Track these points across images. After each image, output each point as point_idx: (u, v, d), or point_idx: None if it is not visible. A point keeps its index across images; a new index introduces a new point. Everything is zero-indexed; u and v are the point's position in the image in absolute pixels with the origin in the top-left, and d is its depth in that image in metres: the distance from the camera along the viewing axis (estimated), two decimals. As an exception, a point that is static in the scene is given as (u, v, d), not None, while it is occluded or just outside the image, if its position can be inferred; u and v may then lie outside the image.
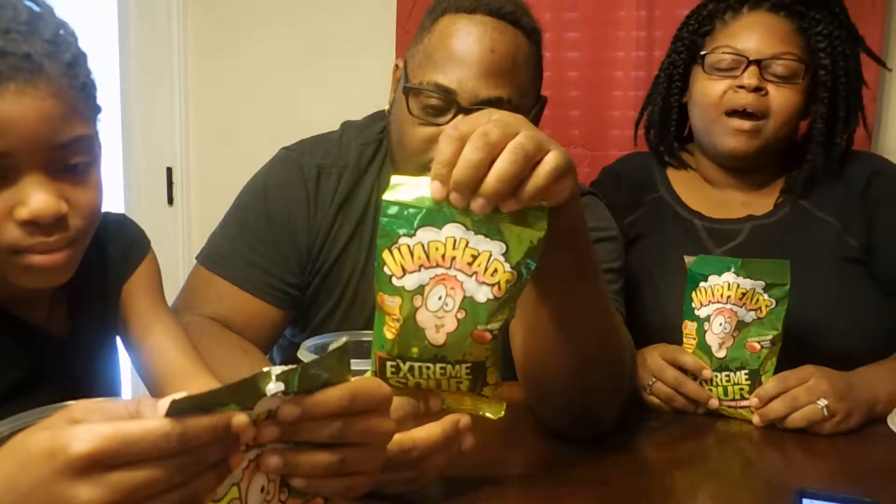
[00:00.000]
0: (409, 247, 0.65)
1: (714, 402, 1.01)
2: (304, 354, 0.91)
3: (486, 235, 0.64)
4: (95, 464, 0.42)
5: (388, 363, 0.67)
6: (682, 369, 1.02)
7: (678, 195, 1.26)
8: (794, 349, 1.01)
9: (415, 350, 0.66)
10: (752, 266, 1.00)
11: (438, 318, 0.65)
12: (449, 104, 0.96)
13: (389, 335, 0.66)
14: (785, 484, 0.80)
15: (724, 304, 1.00)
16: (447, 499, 0.75)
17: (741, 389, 1.00)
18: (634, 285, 1.17)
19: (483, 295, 0.64)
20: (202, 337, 0.94)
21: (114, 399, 0.67)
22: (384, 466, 0.57)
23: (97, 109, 0.76)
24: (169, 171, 2.19)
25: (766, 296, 1.00)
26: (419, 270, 0.65)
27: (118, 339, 0.90)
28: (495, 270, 0.64)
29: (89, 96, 0.73)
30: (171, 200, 2.20)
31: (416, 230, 0.65)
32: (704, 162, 1.26)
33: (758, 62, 1.12)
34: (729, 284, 1.00)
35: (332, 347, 0.51)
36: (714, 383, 1.01)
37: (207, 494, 0.47)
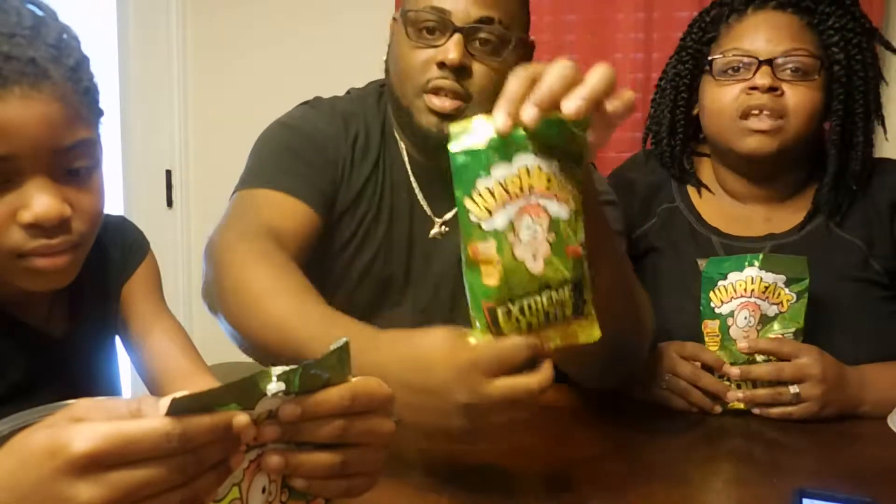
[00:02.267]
0: (488, 188, 0.66)
1: (732, 396, 1.00)
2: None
3: (546, 158, 0.67)
4: (96, 463, 0.42)
5: (500, 310, 0.67)
6: (702, 366, 1.02)
7: (696, 207, 1.20)
8: None
9: (520, 287, 0.67)
10: (772, 261, 1.01)
11: (533, 248, 0.66)
12: (444, 25, 1.01)
13: (493, 281, 0.66)
14: (785, 484, 0.80)
15: (747, 298, 1.01)
16: (450, 499, 0.75)
17: (770, 383, 1.00)
18: None
19: (565, 212, 0.67)
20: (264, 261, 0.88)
21: (115, 398, 0.67)
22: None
23: (99, 113, 0.76)
24: (168, 173, 2.19)
25: (787, 290, 1.00)
26: (504, 207, 0.66)
27: (118, 339, 0.90)
28: (561, 186, 0.67)
29: (92, 100, 0.74)
30: (170, 203, 2.21)
31: (490, 170, 0.66)
32: (724, 173, 1.19)
33: (769, 62, 1.07)
34: (752, 279, 1.00)
35: (332, 347, 0.52)
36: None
37: (208, 494, 0.47)
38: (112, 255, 0.88)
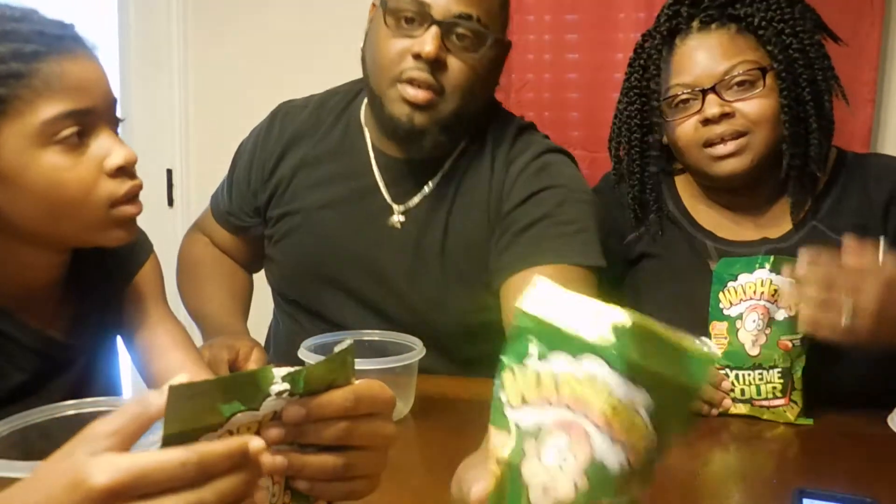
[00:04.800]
0: (536, 372, 0.50)
1: (728, 403, 1.00)
2: (306, 354, 0.91)
3: (632, 381, 0.47)
4: (116, 495, 0.43)
5: None
6: None
7: (688, 210, 1.17)
8: (816, 371, 1.00)
9: None
10: (782, 263, 0.99)
11: (551, 477, 0.48)
12: (423, 17, 1.02)
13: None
14: (785, 484, 0.80)
15: (757, 301, 0.99)
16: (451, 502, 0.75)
17: (774, 388, 0.99)
18: (637, 308, 1.12)
19: (616, 459, 0.47)
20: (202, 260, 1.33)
21: (121, 400, 0.67)
22: None
23: None
24: (169, 172, 2.19)
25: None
26: (542, 407, 0.49)
27: (119, 339, 0.91)
28: (633, 425, 0.47)
29: None
30: (171, 202, 2.20)
31: (549, 353, 0.50)
32: (705, 188, 1.17)
33: (712, 88, 1.05)
34: (762, 281, 0.99)
35: (337, 349, 0.52)
36: (747, 382, 1.00)
37: None
38: (115, 256, 0.88)
